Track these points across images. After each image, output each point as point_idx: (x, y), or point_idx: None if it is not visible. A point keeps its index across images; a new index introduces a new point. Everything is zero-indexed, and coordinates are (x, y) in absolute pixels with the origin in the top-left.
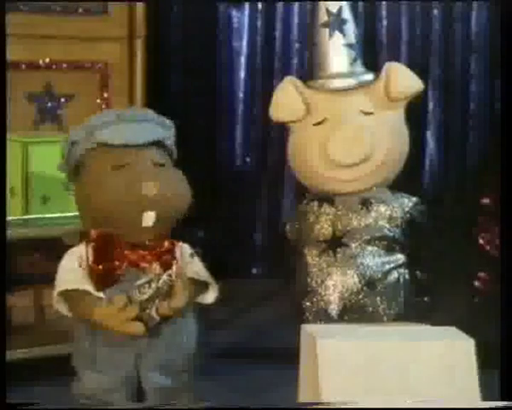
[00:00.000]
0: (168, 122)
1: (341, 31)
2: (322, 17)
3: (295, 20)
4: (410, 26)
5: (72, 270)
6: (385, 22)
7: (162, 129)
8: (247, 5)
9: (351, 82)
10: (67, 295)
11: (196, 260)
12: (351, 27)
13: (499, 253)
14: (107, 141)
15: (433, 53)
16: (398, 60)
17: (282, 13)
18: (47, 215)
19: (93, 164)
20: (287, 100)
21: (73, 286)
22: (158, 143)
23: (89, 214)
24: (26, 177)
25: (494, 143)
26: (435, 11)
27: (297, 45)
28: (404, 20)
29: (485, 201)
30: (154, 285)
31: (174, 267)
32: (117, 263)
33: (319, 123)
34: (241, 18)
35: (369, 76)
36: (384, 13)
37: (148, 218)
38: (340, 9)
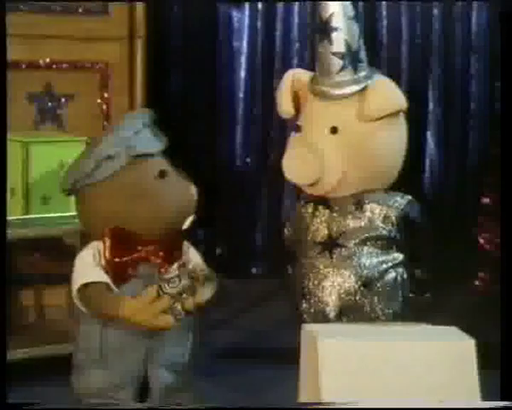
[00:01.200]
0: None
1: (329, 39)
2: (316, 22)
3: (295, 20)
4: (410, 25)
5: (91, 264)
6: (385, 22)
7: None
8: (247, 5)
9: (330, 92)
10: (86, 290)
11: (198, 256)
12: (340, 35)
13: (499, 253)
14: (148, 151)
15: (433, 53)
16: (398, 60)
17: (282, 13)
18: (47, 215)
19: (131, 176)
20: (281, 96)
21: (97, 279)
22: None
23: (124, 225)
24: (26, 177)
25: (494, 143)
26: (435, 11)
27: (297, 45)
28: (404, 20)
29: (485, 201)
30: (183, 280)
31: (194, 262)
32: (130, 258)
33: (296, 130)
34: (242, 18)
35: (354, 88)
36: (384, 13)
37: (189, 221)
38: (330, 16)
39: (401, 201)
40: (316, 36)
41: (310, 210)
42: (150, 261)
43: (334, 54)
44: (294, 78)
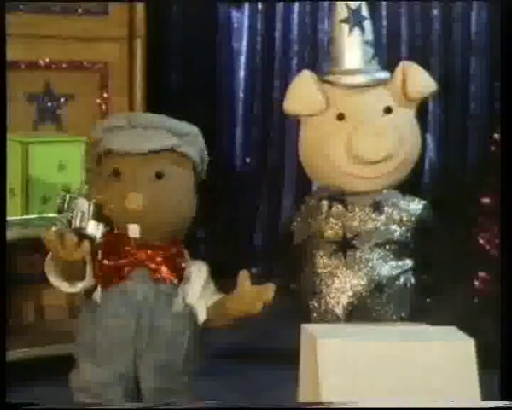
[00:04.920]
0: (187, 128)
1: (361, 27)
2: (342, 13)
3: (295, 20)
4: (410, 26)
5: None
6: (385, 22)
7: (175, 136)
8: (246, 5)
9: (368, 79)
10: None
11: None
12: (369, 25)
13: (499, 253)
14: (112, 148)
15: (433, 53)
16: (398, 60)
17: (282, 13)
18: (47, 215)
19: (101, 169)
20: (306, 92)
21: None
22: (167, 151)
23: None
24: (26, 177)
25: (494, 143)
26: (435, 11)
27: (297, 45)
28: (404, 20)
29: (485, 201)
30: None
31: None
32: (125, 261)
33: (340, 118)
34: (241, 18)
35: (386, 74)
36: (384, 13)
37: (133, 229)
38: (359, 6)
39: (417, 206)
40: (340, 28)
41: (325, 208)
42: (147, 266)
43: (366, 43)
44: (313, 77)
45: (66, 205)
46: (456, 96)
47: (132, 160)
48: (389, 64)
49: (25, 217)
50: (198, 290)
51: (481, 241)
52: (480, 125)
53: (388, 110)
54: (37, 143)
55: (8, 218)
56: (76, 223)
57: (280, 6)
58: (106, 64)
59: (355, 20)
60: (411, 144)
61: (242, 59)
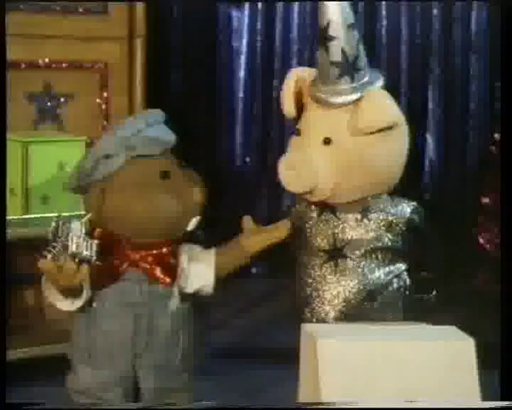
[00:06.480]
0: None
1: (326, 47)
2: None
3: (295, 20)
4: (410, 26)
5: None
6: (385, 22)
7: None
8: (246, 5)
9: (327, 100)
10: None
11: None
12: (338, 45)
13: (499, 253)
14: (148, 152)
15: (433, 53)
16: (398, 60)
17: (282, 13)
18: (47, 215)
19: (131, 175)
20: (283, 97)
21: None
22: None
23: (123, 226)
24: (26, 177)
25: (494, 143)
26: (435, 11)
27: (296, 45)
28: (404, 20)
29: (485, 201)
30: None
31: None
32: (118, 262)
33: (297, 134)
34: (241, 18)
35: (349, 98)
36: (384, 13)
37: (194, 222)
38: (327, 25)
39: (406, 208)
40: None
41: (314, 215)
42: (140, 266)
43: (331, 63)
44: (298, 77)
45: (60, 230)
46: (456, 96)
47: (167, 158)
48: (389, 64)
49: (25, 217)
50: (197, 272)
51: (481, 241)
52: (480, 125)
53: (328, 141)
54: (37, 143)
55: (8, 218)
56: (72, 248)
57: (280, 6)
58: (106, 64)
59: (321, 38)
60: (345, 179)
61: (242, 59)
